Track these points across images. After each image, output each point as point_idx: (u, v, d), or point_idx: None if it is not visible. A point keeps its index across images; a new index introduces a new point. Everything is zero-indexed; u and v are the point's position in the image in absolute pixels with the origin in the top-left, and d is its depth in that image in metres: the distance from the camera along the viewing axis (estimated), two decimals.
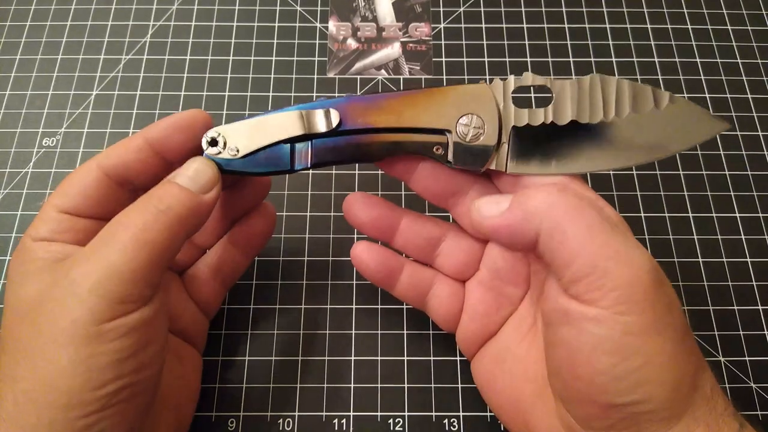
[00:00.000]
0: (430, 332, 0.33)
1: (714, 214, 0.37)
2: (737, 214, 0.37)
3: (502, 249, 0.28)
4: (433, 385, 0.32)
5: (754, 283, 0.35)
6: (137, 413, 0.22)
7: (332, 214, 0.36)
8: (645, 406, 0.21)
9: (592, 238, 0.22)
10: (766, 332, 0.33)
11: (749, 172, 0.38)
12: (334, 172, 0.38)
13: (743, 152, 0.38)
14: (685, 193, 0.37)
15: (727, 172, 0.38)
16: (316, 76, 0.41)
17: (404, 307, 0.34)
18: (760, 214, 0.37)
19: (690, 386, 0.21)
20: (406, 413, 0.31)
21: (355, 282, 0.35)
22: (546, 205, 0.23)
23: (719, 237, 0.36)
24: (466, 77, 0.41)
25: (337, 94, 0.40)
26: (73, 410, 0.20)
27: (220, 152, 0.25)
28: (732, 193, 0.37)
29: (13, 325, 0.22)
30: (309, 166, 0.26)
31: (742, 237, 0.36)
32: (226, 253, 0.31)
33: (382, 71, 0.41)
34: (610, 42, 0.42)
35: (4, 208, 0.37)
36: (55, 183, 0.37)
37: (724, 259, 0.35)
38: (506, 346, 0.28)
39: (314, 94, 0.40)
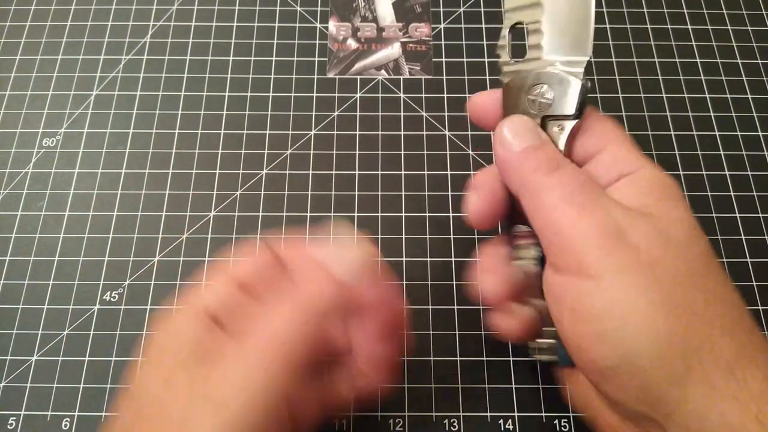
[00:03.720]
0: (430, 332, 0.33)
1: (714, 215, 0.37)
2: (737, 215, 0.37)
3: None
4: (433, 386, 0.32)
5: (754, 283, 0.35)
6: None
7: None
8: (638, 361, 0.20)
9: (557, 213, 0.22)
10: (766, 333, 0.33)
11: (749, 173, 0.38)
12: (333, 173, 0.38)
13: (743, 153, 0.38)
14: (686, 193, 0.37)
15: (727, 173, 0.38)
16: (316, 77, 0.41)
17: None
18: (760, 215, 0.37)
19: (694, 348, 0.19)
20: (406, 413, 0.31)
21: None
22: (523, 175, 0.24)
23: (719, 237, 0.36)
24: (466, 77, 0.41)
25: (336, 95, 0.40)
26: None
27: None
28: (732, 193, 0.37)
29: (134, 422, 0.21)
30: None
31: (742, 237, 0.36)
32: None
33: (382, 71, 0.41)
34: (610, 42, 0.42)
35: (4, 208, 0.37)
36: (55, 183, 0.37)
37: (725, 260, 0.35)
38: None
39: (314, 95, 0.40)
